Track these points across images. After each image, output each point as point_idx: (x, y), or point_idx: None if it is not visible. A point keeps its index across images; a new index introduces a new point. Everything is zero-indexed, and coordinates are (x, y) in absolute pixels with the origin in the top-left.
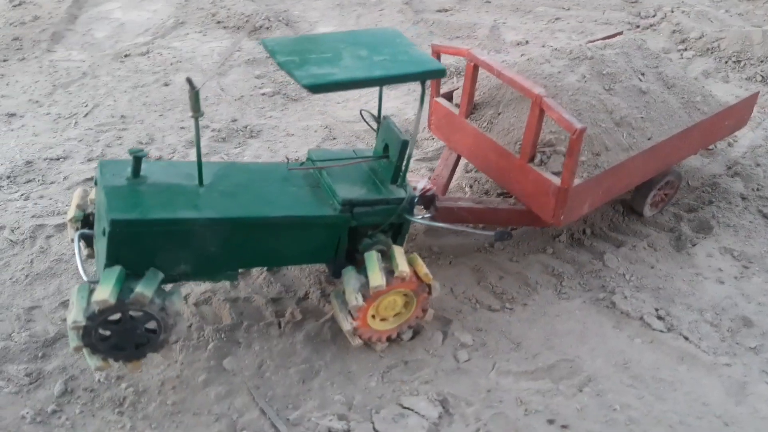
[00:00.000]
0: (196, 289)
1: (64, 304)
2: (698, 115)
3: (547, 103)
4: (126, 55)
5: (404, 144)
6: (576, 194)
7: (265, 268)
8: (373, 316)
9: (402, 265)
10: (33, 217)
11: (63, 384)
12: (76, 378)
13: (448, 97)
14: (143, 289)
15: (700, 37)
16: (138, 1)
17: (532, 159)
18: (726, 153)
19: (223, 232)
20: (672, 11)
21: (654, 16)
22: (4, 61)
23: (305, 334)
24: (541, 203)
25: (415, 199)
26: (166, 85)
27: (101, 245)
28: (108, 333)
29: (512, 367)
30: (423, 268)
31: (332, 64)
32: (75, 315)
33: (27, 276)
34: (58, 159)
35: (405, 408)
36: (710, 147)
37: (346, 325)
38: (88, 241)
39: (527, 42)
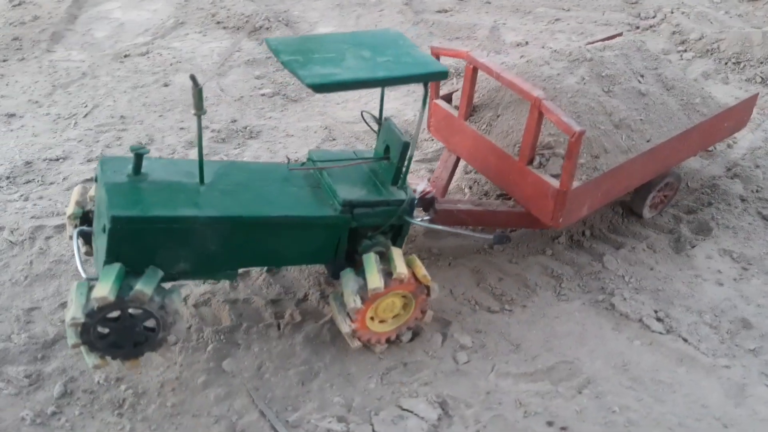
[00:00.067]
0: (195, 290)
1: (64, 306)
2: (697, 117)
3: (545, 105)
4: (126, 56)
5: (405, 146)
6: (575, 197)
7: (265, 268)
8: (372, 318)
9: (400, 267)
10: (32, 217)
11: (62, 385)
12: (75, 379)
13: (448, 99)
14: (143, 287)
15: (700, 39)
16: (138, 1)
17: (531, 161)
18: (725, 154)
19: (223, 231)
20: (672, 12)
21: (654, 17)
22: (4, 61)
23: (304, 336)
24: (540, 206)
25: (415, 201)
26: (166, 85)
27: (100, 242)
28: (106, 330)
29: (511, 368)
30: (421, 270)
31: (336, 65)
32: (74, 312)
33: (26, 277)
34: (57, 159)
35: (404, 410)
36: (710, 148)
37: (345, 327)
38: (87, 238)
39: (527, 43)
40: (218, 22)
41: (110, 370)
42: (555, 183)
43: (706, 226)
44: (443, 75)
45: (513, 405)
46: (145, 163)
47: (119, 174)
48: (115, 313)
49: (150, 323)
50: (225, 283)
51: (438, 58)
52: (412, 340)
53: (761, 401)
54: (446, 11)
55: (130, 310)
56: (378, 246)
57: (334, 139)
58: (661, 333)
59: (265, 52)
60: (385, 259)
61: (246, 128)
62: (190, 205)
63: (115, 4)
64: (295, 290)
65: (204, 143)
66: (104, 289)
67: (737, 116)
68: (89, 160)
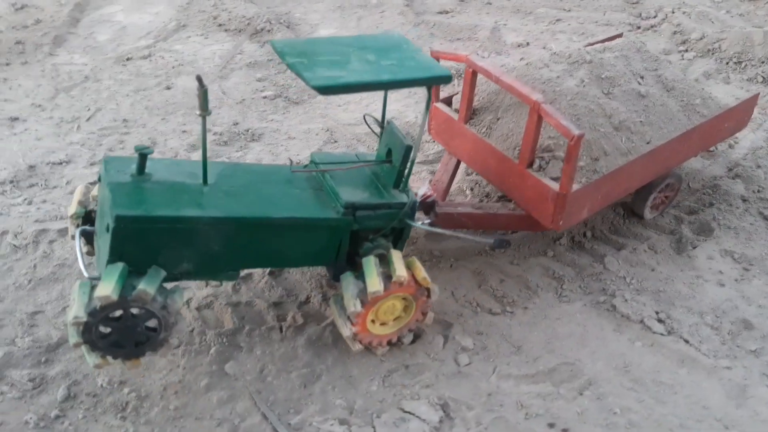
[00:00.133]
0: (198, 293)
1: (67, 309)
2: (698, 118)
3: (545, 109)
4: (128, 59)
5: (408, 149)
6: (574, 200)
7: (267, 271)
8: (373, 321)
9: (399, 270)
10: (36, 221)
11: (66, 389)
12: (79, 383)
13: (448, 102)
14: (146, 286)
15: (701, 38)
16: (140, 4)
17: (530, 164)
18: (727, 155)
19: (226, 232)
20: (673, 12)
21: (655, 17)
22: (7, 64)
23: (306, 339)
24: (540, 208)
25: (417, 204)
26: (168, 88)
27: (103, 241)
28: (108, 330)
29: (513, 370)
30: (421, 272)
31: (341, 67)
32: (76, 311)
33: (30, 281)
34: (60, 163)
35: (406, 412)
36: (711, 149)
37: (346, 330)
38: (89, 238)
39: (528, 44)
40: (220, 25)
41: (113, 373)
42: (555, 186)
43: (708, 227)
44: (447, 79)
45: (514, 407)
46: (148, 163)
47: (123, 174)
48: (117, 313)
49: (152, 323)
50: (227, 286)
51: (438, 60)
52: (413, 342)
53: (762, 402)
54: (447, 12)
55: (133, 310)
56: (379, 248)
57: (335, 142)
58: (662, 334)
59: (266, 55)
60: (385, 261)
61: (248, 131)
62: (193, 205)
63: (117, 8)
64: (297, 293)
65: (207, 146)
66: (107, 288)
67: (738, 117)
68: (92, 164)
